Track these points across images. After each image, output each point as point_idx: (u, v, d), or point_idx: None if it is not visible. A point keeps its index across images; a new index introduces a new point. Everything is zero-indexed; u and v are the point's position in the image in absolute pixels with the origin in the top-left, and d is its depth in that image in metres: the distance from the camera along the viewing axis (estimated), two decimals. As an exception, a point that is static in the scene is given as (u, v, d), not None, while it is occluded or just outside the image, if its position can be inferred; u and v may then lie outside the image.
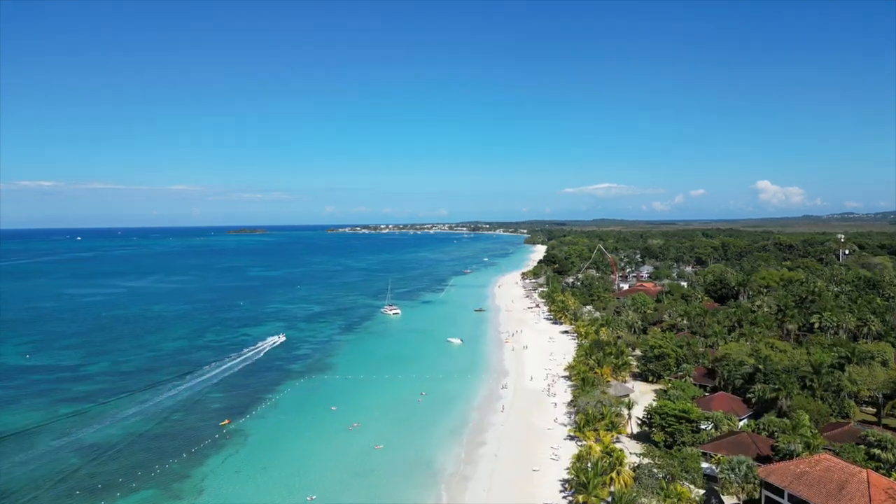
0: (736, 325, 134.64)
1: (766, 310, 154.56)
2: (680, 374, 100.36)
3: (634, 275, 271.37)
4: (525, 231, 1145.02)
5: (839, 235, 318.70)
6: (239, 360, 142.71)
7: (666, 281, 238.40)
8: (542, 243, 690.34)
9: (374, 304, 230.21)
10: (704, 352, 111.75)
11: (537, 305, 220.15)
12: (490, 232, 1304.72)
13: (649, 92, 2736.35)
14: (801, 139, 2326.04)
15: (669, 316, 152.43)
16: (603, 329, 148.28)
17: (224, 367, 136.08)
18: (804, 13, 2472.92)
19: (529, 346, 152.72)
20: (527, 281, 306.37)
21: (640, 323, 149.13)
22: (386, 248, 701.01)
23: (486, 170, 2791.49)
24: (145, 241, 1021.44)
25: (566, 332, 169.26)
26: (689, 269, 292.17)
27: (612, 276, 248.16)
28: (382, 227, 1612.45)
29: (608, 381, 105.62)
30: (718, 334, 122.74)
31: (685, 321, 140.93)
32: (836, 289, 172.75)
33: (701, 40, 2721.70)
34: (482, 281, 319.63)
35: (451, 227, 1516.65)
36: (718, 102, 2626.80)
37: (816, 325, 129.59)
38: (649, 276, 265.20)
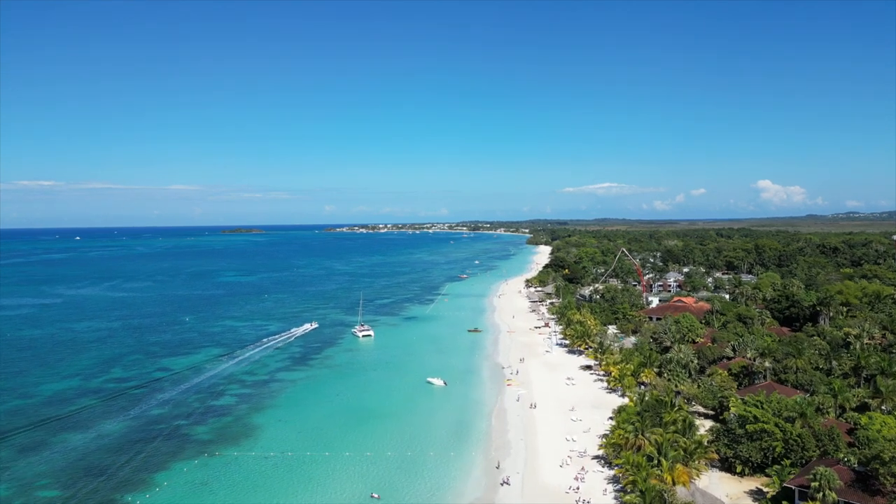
0: (851, 372, 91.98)
1: (867, 341, 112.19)
2: (811, 479, 57.70)
3: (661, 284, 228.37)
4: (527, 230, 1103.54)
5: (895, 236, 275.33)
6: (128, 416, 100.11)
7: (703, 293, 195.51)
8: (546, 244, 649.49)
9: (346, 322, 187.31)
10: (834, 430, 68.73)
11: (546, 324, 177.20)
12: (491, 231, 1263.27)
13: (649, 91, 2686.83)
14: (801, 138, 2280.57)
15: (736, 351, 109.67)
16: (646, 372, 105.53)
17: (97, 430, 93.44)
18: (804, 11, 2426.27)
19: (542, 391, 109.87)
20: (532, 289, 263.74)
21: (695, 361, 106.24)
22: (380, 249, 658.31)
23: (486, 169, 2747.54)
24: (133, 241, 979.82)
25: (588, 367, 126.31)
26: (721, 276, 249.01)
27: (638, 286, 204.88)
28: (381, 226, 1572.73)
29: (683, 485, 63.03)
30: (840, 392, 79.73)
31: (767, 362, 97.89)
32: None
33: (701, 38, 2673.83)
34: (480, 288, 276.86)
35: (450, 227, 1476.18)
36: (719, 101, 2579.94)
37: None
38: (679, 287, 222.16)
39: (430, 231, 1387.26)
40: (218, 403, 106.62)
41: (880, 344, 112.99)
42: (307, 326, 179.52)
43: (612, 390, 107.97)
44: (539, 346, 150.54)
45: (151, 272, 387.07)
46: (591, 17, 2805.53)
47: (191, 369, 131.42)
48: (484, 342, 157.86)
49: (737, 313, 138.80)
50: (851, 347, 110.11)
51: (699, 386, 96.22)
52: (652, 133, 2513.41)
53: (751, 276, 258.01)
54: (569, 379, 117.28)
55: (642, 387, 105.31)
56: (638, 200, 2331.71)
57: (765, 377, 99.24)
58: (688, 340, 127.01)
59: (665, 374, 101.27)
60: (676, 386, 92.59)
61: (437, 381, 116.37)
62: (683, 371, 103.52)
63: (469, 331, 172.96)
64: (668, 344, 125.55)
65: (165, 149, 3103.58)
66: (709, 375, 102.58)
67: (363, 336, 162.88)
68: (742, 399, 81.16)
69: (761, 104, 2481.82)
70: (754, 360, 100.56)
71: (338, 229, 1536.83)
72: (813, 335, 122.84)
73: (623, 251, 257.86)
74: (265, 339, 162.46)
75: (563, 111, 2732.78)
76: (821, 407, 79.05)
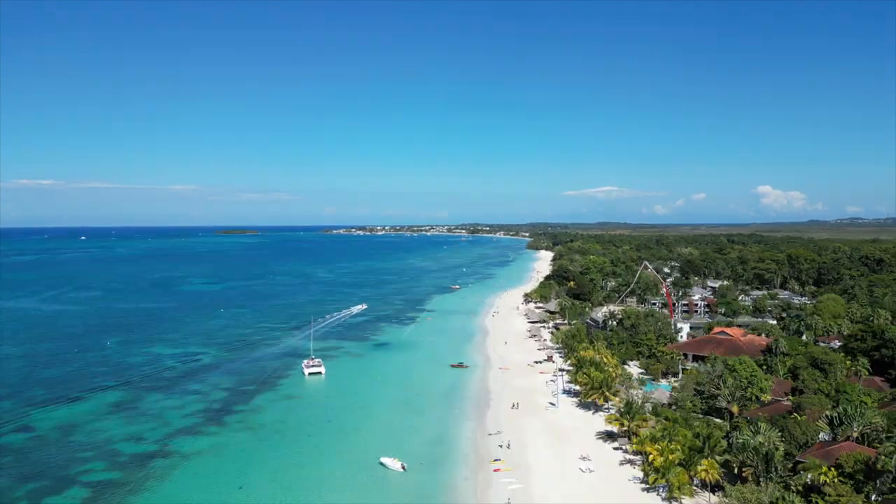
0: None
1: None
2: None
3: (685, 303, 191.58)
4: (526, 234, 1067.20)
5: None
6: None
7: (744, 318, 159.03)
8: (547, 248, 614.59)
9: (301, 351, 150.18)
10: None
11: (550, 358, 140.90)
12: (490, 235, 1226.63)
13: (650, 95, 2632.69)
14: (801, 143, 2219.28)
15: (836, 427, 73.10)
16: (706, 465, 68.77)
17: None
18: (803, 17, 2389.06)
19: (544, 485, 73.33)
20: (531, 305, 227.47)
21: (778, 446, 69.29)
22: (371, 254, 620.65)
23: (487, 171, 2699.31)
24: (121, 242, 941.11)
25: (610, 434, 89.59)
26: (757, 293, 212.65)
27: (664, 309, 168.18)
28: (378, 228, 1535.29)
29: None
30: None
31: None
32: None
33: (702, 43, 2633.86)
34: (472, 303, 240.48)
35: (449, 230, 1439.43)
36: (719, 105, 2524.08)
37: None
38: (708, 308, 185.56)
39: (429, 233, 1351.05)
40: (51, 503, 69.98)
41: None
42: (359, 307, 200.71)
43: (652, 488, 71.24)
44: (540, 393, 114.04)
45: (111, 278, 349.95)
46: (592, 21, 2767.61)
47: (59, 428, 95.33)
48: (469, 385, 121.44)
49: (810, 356, 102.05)
50: None
51: (785, 485, 59.42)
52: (652, 137, 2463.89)
53: (787, 292, 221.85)
54: (583, 460, 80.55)
55: (702, 489, 69.05)
56: (638, 204, 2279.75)
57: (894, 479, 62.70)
58: (750, 398, 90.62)
59: (745, 474, 64.57)
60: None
61: (393, 464, 79.61)
62: (764, 461, 67.15)
63: (452, 366, 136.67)
64: (724, 405, 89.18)
65: (166, 149, 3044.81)
66: (801, 471, 66.09)
67: (310, 373, 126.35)
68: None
69: (761, 109, 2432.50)
70: (880, 456, 63.64)
71: (335, 231, 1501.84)
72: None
73: (646, 264, 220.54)
74: (187, 376, 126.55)
75: (564, 114, 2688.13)
76: None
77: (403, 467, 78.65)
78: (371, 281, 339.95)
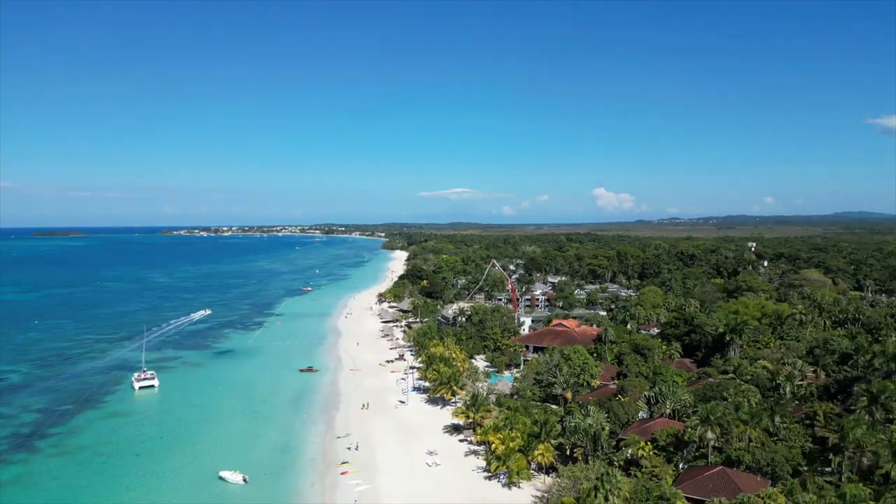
0: (814, 441, 65.63)
1: (799, 381, 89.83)
2: None
3: (528, 298, 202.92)
4: (382, 234, 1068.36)
5: (750, 244, 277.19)
6: None
7: (579, 310, 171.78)
8: (402, 248, 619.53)
9: (131, 363, 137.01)
10: None
11: (401, 356, 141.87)
12: (345, 235, 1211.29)
13: (496, 100, 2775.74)
14: (630, 148, 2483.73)
15: (653, 406, 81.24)
16: (542, 449, 73.00)
17: None
18: (625, 26, 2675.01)
19: (393, 483, 73.53)
20: (385, 305, 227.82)
21: (604, 427, 75.41)
22: (216, 256, 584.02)
23: (342, 171, 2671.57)
24: None
25: (457, 428, 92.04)
26: (591, 287, 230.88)
27: (509, 304, 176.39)
28: (224, 229, 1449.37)
29: None
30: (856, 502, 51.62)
31: (710, 433, 68.99)
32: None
33: (543, 51, 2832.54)
34: (324, 305, 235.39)
35: (302, 230, 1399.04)
36: (561, 111, 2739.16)
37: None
38: (548, 301, 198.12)
39: (280, 234, 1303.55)
40: None
41: (813, 384, 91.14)
42: (201, 313, 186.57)
43: (494, 476, 74.15)
44: (391, 392, 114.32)
45: None
46: (440, 24, 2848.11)
47: None
48: (318, 389, 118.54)
49: (633, 343, 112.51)
50: (781, 391, 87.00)
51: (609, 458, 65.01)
52: (501, 141, 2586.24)
53: (616, 285, 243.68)
54: (430, 455, 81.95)
55: (539, 472, 73.20)
56: (488, 205, 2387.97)
57: (700, 447, 71.09)
58: (582, 384, 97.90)
59: (576, 455, 69.41)
60: (603, 485, 59.83)
61: (234, 477, 75.14)
62: (591, 440, 72.86)
63: (301, 370, 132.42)
64: (560, 392, 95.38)
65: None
66: (623, 447, 72.58)
67: (140, 388, 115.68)
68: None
69: (597, 115, 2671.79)
70: (687, 429, 71.49)
71: (175, 232, 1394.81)
72: (726, 371, 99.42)
73: (493, 262, 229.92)
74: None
75: (419, 116, 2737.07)
76: None
77: (245, 479, 74.60)
78: (215, 285, 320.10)
